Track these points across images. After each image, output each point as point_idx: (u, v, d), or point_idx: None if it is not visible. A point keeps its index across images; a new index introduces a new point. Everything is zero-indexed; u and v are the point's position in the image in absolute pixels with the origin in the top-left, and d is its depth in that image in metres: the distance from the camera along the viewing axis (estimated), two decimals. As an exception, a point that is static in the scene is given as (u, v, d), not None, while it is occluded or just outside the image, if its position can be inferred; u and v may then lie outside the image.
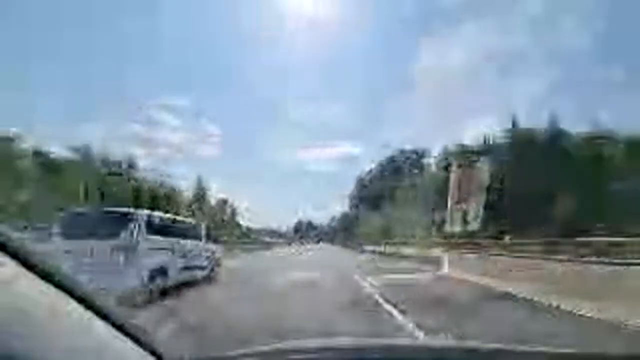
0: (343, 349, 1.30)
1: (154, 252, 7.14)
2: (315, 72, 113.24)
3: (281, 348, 1.28)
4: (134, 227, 6.71)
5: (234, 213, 62.53)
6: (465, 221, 15.73)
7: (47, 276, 0.61)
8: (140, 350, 0.77)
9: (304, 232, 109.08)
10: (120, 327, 0.73)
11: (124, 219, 6.69)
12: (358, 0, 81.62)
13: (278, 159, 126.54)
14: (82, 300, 0.66)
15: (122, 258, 6.33)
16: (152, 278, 6.87)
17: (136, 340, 0.77)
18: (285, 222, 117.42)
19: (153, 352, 0.80)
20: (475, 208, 15.32)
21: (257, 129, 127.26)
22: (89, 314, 0.67)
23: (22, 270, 0.58)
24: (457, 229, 16.67)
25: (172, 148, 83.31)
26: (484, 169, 18.33)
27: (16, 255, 0.57)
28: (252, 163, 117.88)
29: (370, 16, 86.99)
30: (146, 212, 7.56)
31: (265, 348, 1.25)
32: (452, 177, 17.91)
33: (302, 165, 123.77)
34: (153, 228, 7.32)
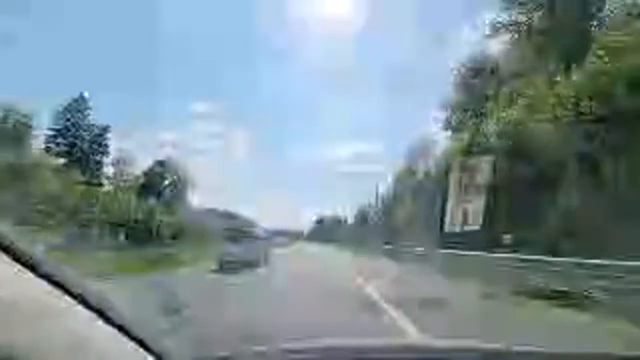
0: (343, 349, 1.28)
1: (261, 246, 17.12)
2: (337, 71, 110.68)
3: (281, 348, 1.27)
4: (256, 234, 18.48)
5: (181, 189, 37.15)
6: None
7: (47, 276, 0.61)
8: (141, 350, 0.77)
9: (326, 231, 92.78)
10: (120, 327, 0.72)
11: (252, 229, 19.81)
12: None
13: (303, 158, 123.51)
14: (83, 300, 0.66)
15: (251, 249, 15.53)
16: (262, 256, 16.49)
17: (136, 340, 0.76)
18: (305, 222, 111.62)
19: (153, 352, 0.80)
20: None
21: (281, 130, 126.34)
22: (89, 314, 0.67)
23: (22, 270, 0.58)
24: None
25: (199, 152, 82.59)
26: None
27: (16, 255, 0.57)
28: (276, 164, 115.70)
29: (389, 12, 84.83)
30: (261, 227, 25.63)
31: (265, 348, 1.24)
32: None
33: (327, 165, 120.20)
34: (260, 233, 20.32)
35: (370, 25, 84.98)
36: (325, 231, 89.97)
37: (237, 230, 17.76)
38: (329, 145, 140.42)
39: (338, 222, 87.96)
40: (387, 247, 29.15)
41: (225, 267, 13.87)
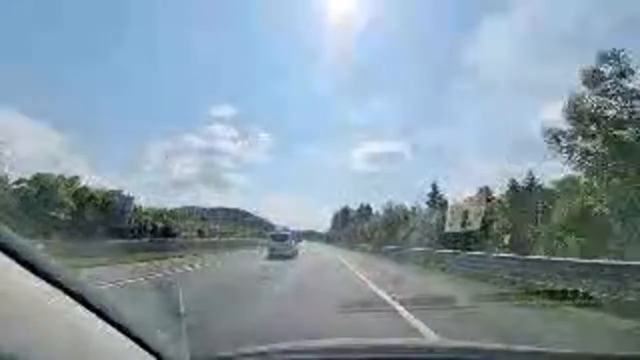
0: (343, 349, 1.26)
1: (292, 244, 24.64)
2: (360, 71, 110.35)
3: (281, 348, 1.25)
4: (291, 235, 25.35)
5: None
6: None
7: (47, 276, 0.59)
8: (140, 350, 0.75)
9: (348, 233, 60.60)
10: (120, 327, 0.71)
11: (288, 233, 25.18)
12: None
13: (327, 159, 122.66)
14: (83, 300, 0.64)
15: (287, 245, 23.50)
16: (294, 252, 24.23)
17: (136, 340, 0.74)
18: (316, 222, 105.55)
19: (153, 352, 0.78)
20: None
21: (303, 131, 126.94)
22: (89, 314, 0.65)
23: (22, 270, 0.56)
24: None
25: (227, 156, 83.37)
26: None
27: (16, 255, 0.56)
28: (303, 166, 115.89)
29: (415, 11, 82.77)
30: (294, 229, 32.00)
31: (265, 348, 1.21)
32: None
33: (351, 164, 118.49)
34: (293, 235, 26.59)
35: (392, 25, 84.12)
36: (350, 229, 61.72)
37: (279, 233, 25.36)
38: (345, 145, 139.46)
39: (367, 212, 60.21)
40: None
41: (272, 256, 21.68)
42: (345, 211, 72.53)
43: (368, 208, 62.54)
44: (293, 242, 25.61)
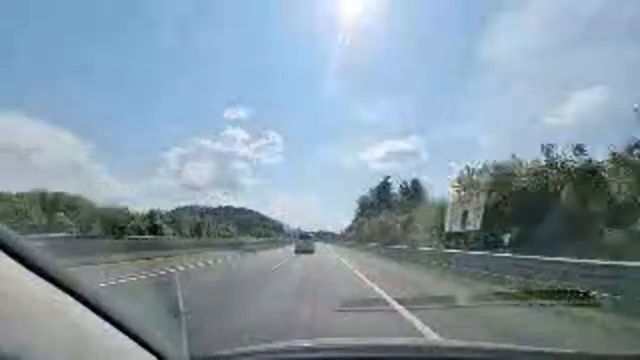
0: (342, 349, 1.24)
1: (312, 242, 31.12)
2: (373, 71, 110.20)
3: (280, 348, 1.23)
4: (312, 237, 33.88)
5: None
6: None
7: (47, 275, 0.58)
8: (140, 349, 0.74)
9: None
10: (120, 326, 0.69)
11: (311, 235, 35.02)
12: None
13: (339, 160, 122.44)
14: (83, 299, 0.63)
15: (310, 244, 29.35)
16: (314, 248, 29.60)
17: (136, 339, 0.73)
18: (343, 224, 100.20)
19: (153, 352, 0.77)
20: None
21: (318, 132, 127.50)
22: (89, 313, 0.64)
23: (22, 270, 0.55)
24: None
25: (240, 159, 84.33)
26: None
27: (16, 255, 0.55)
28: (315, 167, 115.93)
29: (423, 10, 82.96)
30: (314, 231, 56.73)
31: (263, 348, 1.20)
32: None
33: (364, 164, 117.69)
34: (313, 236, 36.08)
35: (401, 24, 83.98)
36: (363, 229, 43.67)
37: (304, 234, 33.21)
38: (358, 145, 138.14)
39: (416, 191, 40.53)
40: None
41: (298, 251, 26.91)
42: (382, 191, 48.11)
43: (416, 185, 41.33)
44: (313, 241, 33.07)
